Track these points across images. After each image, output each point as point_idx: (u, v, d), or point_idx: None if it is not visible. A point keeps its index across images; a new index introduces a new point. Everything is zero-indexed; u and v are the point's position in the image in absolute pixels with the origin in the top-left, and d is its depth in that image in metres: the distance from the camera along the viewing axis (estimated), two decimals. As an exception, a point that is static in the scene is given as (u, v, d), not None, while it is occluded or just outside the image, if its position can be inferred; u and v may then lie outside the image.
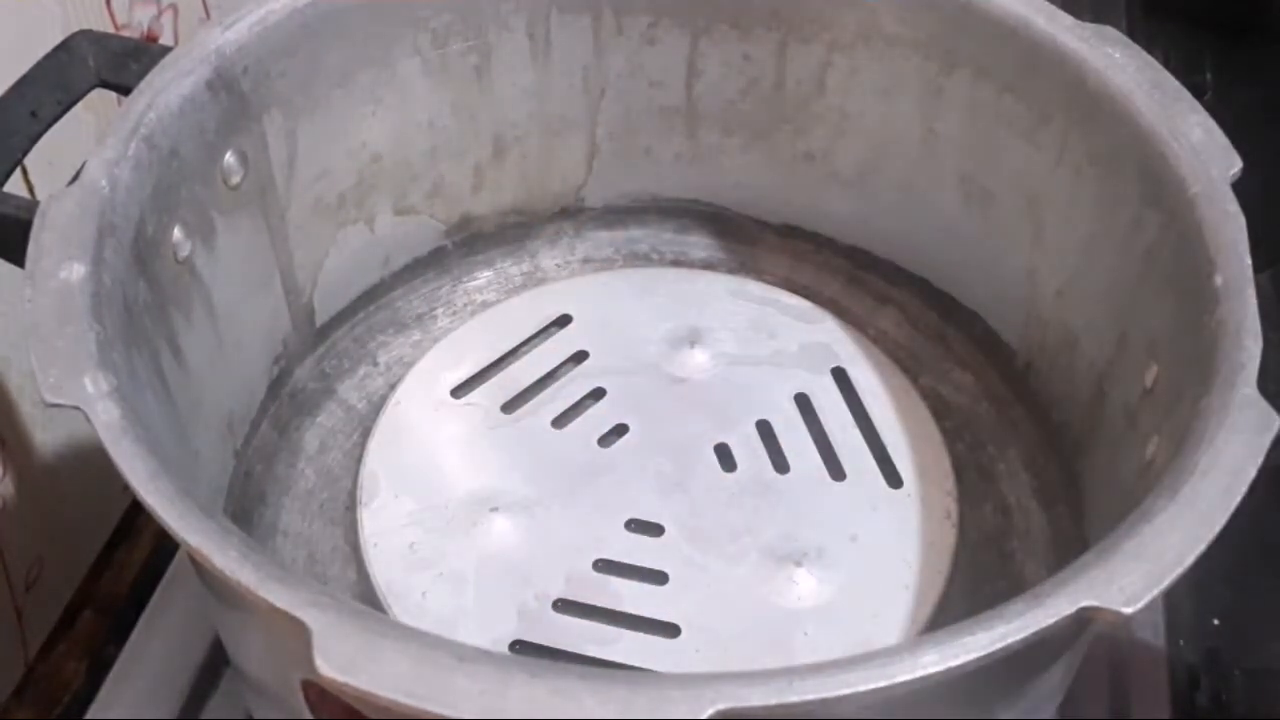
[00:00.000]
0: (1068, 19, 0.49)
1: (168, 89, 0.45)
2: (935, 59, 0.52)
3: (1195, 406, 0.37)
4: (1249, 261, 0.40)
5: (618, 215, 0.61)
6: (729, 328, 0.57)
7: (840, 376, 0.55)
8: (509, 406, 0.54)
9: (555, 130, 0.58)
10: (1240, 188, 0.43)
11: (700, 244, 0.61)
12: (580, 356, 0.56)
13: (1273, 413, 0.36)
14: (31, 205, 0.42)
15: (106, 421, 0.36)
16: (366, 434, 0.53)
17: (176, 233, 0.45)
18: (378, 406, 0.55)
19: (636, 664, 0.46)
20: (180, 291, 0.46)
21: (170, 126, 0.45)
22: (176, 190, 0.45)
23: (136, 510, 0.63)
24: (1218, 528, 0.34)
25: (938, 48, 0.52)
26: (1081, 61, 0.47)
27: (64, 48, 0.47)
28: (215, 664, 0.53)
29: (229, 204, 0.48)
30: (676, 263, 0.61)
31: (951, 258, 0.56)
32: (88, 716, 0.53)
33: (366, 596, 0.48)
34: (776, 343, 0.56)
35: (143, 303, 0.42)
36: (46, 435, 0.58)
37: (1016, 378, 0.55)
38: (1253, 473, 0.35)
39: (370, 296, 0.58)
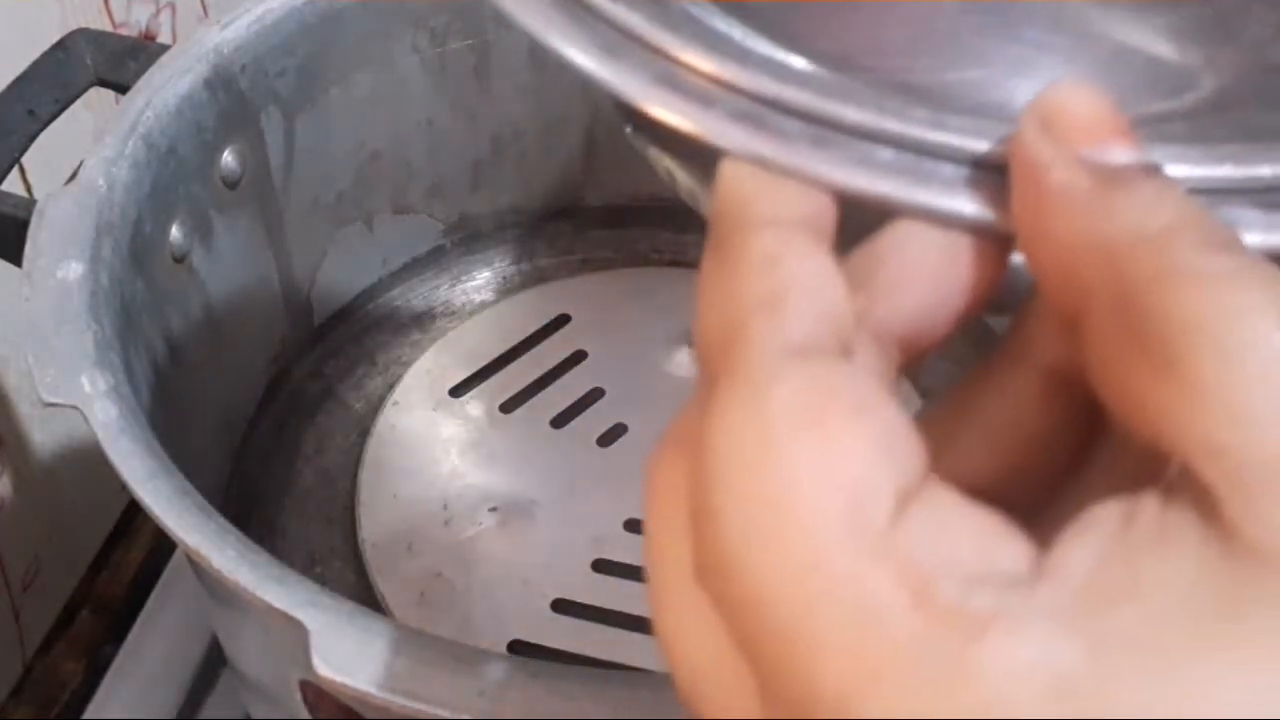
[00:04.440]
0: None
1: (165, 88, 0.45)
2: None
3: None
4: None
5: (617, 215, 0.61)
6: (728, 327, 0.57)
7: (840, 376, 0.55)
8: (508, 406, 0.54)
9: (554, 129, 0.58)
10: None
11: (699, 244, 0.61)
12: (579, 356, 0.56)
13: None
14: (29, 204, 0.42)
15: (104, 421, 0.36)
16: (365, 434, 0.53)
17: (174, 232, 0.45)
18: (376, 406, 0.55)
19: (635, 664, 0.46)
20: (178, 290, 0.45)
21: (168, 125, 0.45)
22: (174, 189, 0.45)
23: (134, 510, 0.63)
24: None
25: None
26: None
27: (62, 46, 0.47)
28: (213, 664, 0.53)
29: (227, 203, 0.48)
30: (675, 263, 0.61)
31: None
32: (85, 716, 0.53)
33: (365, 597, 0.48)
34: (776, 342, 0.56)
35: (140, 302, 0.42)
36: (44, 435, 0.58)
37: (1016, 377, 0.55)
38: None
39: (368, 296, 0.58)
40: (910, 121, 0.21)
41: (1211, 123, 0.27)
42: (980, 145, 0.21)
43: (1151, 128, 0.24)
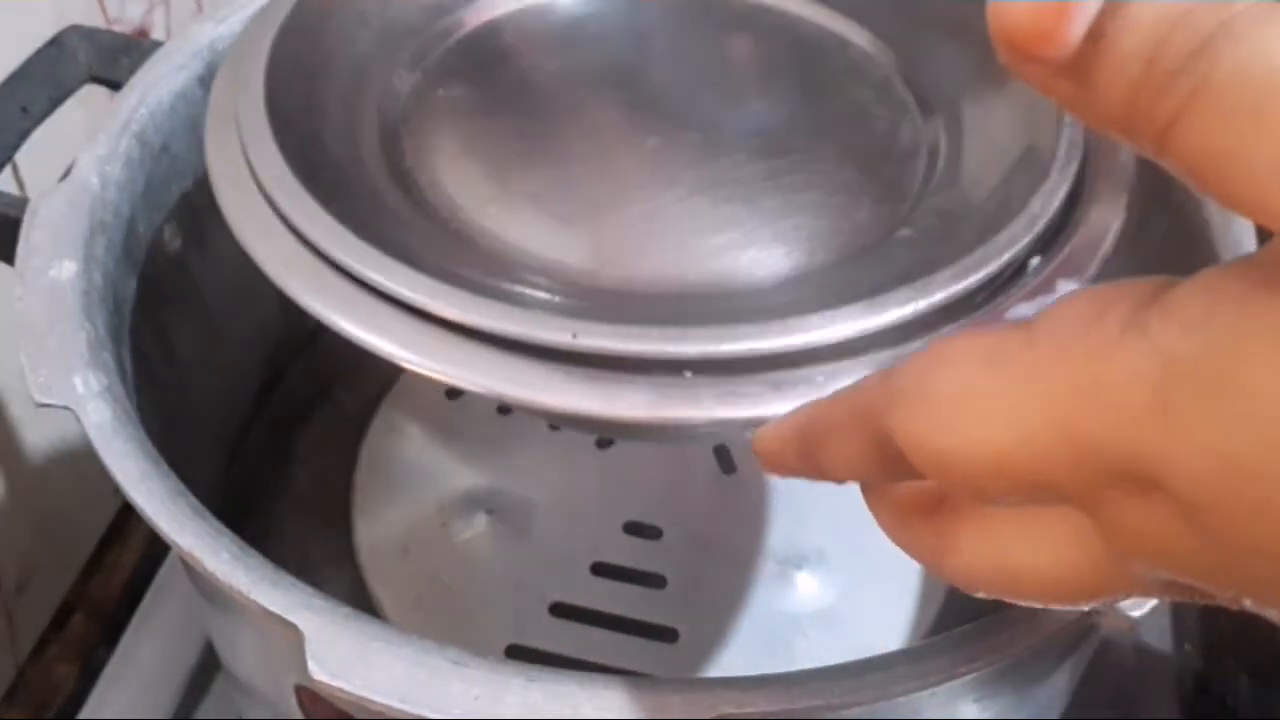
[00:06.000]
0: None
1: (159, 84, 0.44)
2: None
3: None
4: (1256, 262, 0.40)
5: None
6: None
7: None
8: (505, 407, 0.54)
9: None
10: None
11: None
12: (577, 357, 0.55)
13: None
14: (22, 202, 0.41)
15: (97, 422, 0.35)
16: (361, 435, 0.53)
17: (168, 230, 0.45)
18: (372, 407, 0.54)
19: (634, 669, 0.45)
20: (172, 290, 0.45)
21: (162, 123, 0.44)
22: (168, 187, 0.45)
23: (128, 512, 0.63)
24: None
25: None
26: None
27: (55, 43, 0.47)
28: (207, 667, 0.53)
29: (222, 201, 0.48)
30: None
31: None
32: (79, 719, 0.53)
33: (360, 600, 0.48)
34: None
35: (134, 301, 0.42)
36: (37, 436, 0.57)
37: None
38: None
39: (365, 296, 0.57)
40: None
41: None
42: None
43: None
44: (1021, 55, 0.20)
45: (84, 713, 0.53)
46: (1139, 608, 0.32)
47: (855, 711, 0.30)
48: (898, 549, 0.26)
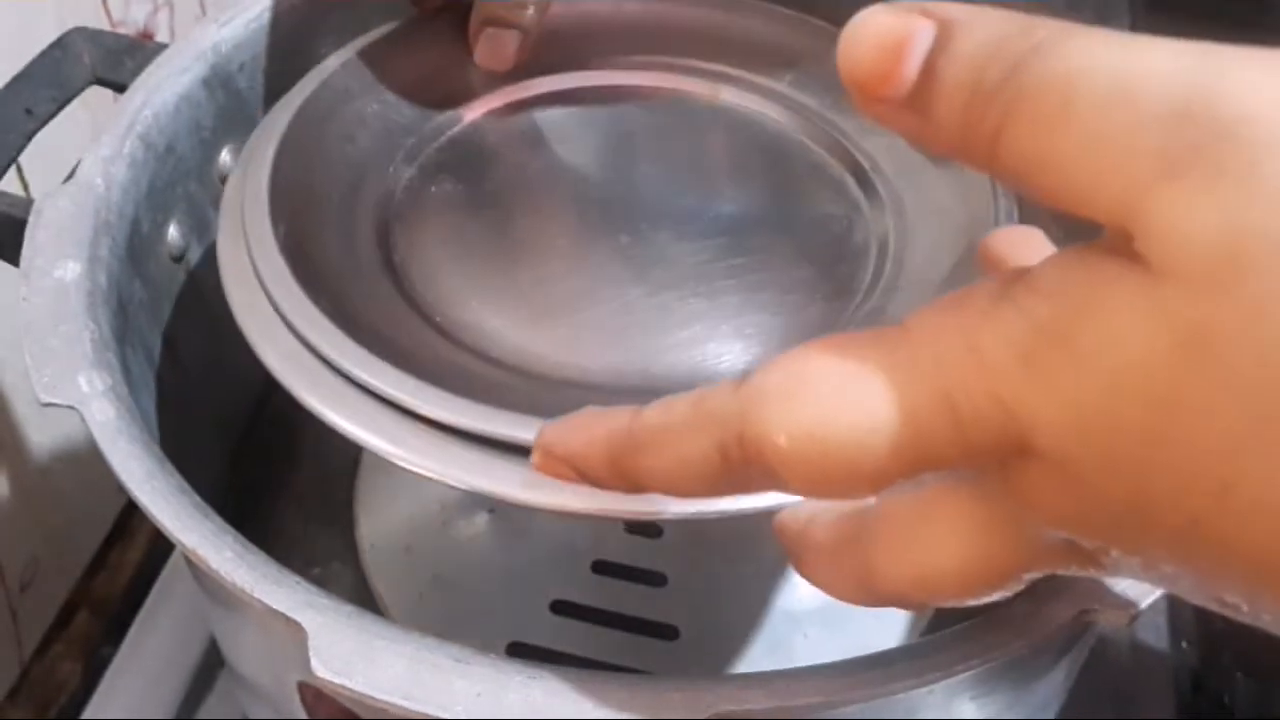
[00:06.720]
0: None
1: (163, 86, 0.45)
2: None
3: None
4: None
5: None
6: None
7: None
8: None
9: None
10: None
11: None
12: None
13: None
14: (27, 203, 0.41)
15: (101, 421, 0.35)
16: (363, 434, 0.53)
17: (172, 231, 0.45)
18: (375, 406, 0.54)
19: (635, 666, 0.45)
20: (176, 290, 0.45)
21: (166, 124, 0.44)
22: (172, 188, 0.45)
23: (132, 510, 0.63)
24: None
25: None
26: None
27: (59, 45, 0.47)
28: (211, 665, 0.53)
29: (225, 202, 0.48)
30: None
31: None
32: (83, 717, 0.53)
33: (363, 598, 0.48)
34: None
35: (138, 301, 0.42)
36: (42, 435, 0.57)
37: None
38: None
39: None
40: None
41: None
42: None
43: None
44: (867, 95, 0.23)
45: (88, 711, 0.53)
46: (1134, 606, 0.32)
47: (853, 709, 0.30)
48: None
